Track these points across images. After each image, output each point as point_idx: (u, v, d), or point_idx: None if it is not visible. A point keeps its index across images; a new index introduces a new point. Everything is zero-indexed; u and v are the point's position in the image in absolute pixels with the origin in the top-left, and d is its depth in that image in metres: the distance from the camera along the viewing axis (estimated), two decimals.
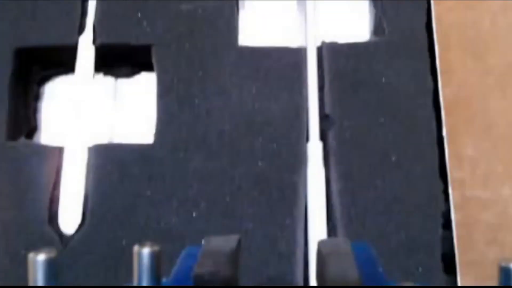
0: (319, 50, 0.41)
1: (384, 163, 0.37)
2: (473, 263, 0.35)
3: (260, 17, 0.44)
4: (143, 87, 0.43)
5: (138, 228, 0.36)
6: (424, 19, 0.41)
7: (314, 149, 0.38)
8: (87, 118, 0.39)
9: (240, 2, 0.43)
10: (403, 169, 0.37)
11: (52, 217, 0.37)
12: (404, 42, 0.40)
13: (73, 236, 0.36)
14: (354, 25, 0.44)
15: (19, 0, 0.41)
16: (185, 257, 0.21)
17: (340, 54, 0.40)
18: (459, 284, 0.34)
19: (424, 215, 0.36)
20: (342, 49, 0.41)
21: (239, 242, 0.22)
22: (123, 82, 0.44)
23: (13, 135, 0.39)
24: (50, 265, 0.16)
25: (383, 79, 0.39)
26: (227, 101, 0.39)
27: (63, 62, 0.41)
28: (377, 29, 0.41)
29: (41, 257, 0.16)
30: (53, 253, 0.16)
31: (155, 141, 0.39)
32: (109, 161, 0.38)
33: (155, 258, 0.17)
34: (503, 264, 0.17)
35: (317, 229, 0.35)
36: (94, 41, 0.41)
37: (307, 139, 0.38)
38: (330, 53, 0.40)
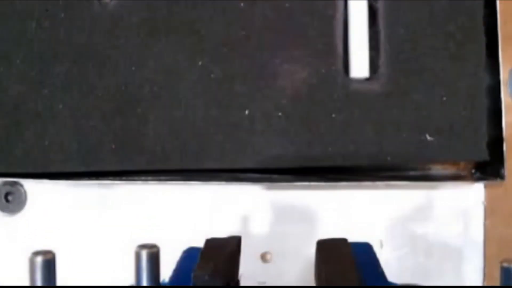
0: None
1: None
2: None
3: None
4: None
5: None
6: None
7: None
8: None
9: None
10: None
11: None
12: None
13: None
14: None
15: None
16: (185, 257, 0.21)
17: None
18: None
19: None
20: None
21: (239, 242, 0.22)
22: None
23: None
24: (50, 265, 0.16)
25: None
26: None
27: None
28: None
29: (40, 257, 0.16)
30: (52, 254, 0.16)
31: None
32: None
33: (154, 259, 0.17)
34: (504, 264, 0.17)
35: None
36: None
37: None
38: None
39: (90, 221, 0.36)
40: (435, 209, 0.35)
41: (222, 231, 0.36)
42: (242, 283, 0.36)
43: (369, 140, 0.31)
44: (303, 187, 0.35)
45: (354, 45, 0.32)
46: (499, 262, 0.18)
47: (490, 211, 0.36)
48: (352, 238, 0.35)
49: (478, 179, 0.34)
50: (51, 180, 0.32)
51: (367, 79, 0.32)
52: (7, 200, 0.37)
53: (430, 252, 0.35)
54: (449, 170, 0.35)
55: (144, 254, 0.18)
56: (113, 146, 0.32)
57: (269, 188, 0.36)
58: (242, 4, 0.32)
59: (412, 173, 0.35)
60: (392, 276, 0.35)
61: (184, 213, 0.36)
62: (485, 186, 0.35)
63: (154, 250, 0.18)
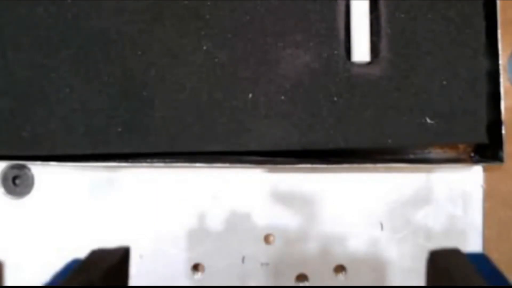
0: None
1: None
2: None
3: None
4: None
5: None
6: None
7: None
8: None
9: None
10: None
11: None
12: None
13: None
14: None
15: None
16: (64, 269, 0.20)
17: None
18: None
19: None
20: None
21: (126, 253, 0.21)
22: None
23: None
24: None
25: None
26: None
27: None
28: None
29: None
30: None
31: None
32: None
33: None
34: None
35: None
36: None
37: None
38: None
39: (96, 204, 0.37)
40: (434, 191, 0.36)
41: (225, 213, 0.36)
42: (245, 265, 0.36)
43: (370, 124, 0.32)
44: (306, 169, 0.36)
45: (355, 30, 0.32)
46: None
47: (489, 194, 0.36)
48: (354, 220, 0.36)
49: (477, 162, 0.35)
50: (58, 163, 0.33)
51: (368, 63, 0.32)
52: (14, 184, 0.37)
53: (429, 234, 0.36)
54: (449, 153, 0.36)
55: None
56: (119, 129, 0.32)
57: (272, 170, 0.36)
58: None
59: (412, 156, 0.36)
60: (392, 258, 0.35)
61: (188, 195, 0.36)
62: (484, 169, 0.36)
63: None
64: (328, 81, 0.32)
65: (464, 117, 0.32)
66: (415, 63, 0.32)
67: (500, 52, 0.33)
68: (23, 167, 0.37)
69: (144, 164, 0.34)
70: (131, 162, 0.34)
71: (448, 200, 0.36)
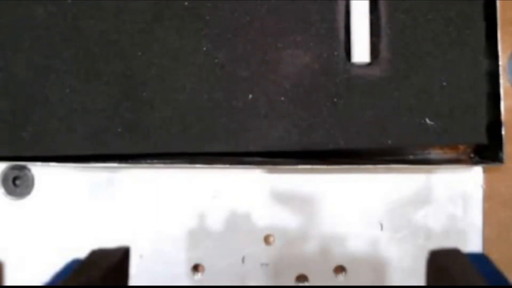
0: None
1: None
2: None
3: None
4: None
5: None
6: None
7: None
8: None
9: None
10: None
11: None
12: None
13: None
14: None
15: None
16: (64, 269, 0.20)
17: None
18: None
19: None
20: None
21: (126, 253, 0.21)
22: None
23: None
24: None
25: None
26: None
27: None
28: None
29: None
30: None
31: None
32: None
33: None
34: None
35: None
36: None
37: None
38: None
39: (96, 204, 0.37)
40: (434, 192, 0.36)
41: (225, 213, 0.36)
42: (245, 265, 0.36)
43: (370, 124, 0.32)
44: (305, 170, 0.36)
45: (355, 30, 0.32)
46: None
47: (489, 194, 0.36)
48: (353, 220, 0.36)
49: (477, 163, 0.35)
50: (58, 163, 0.33)
51: (368, 64, 0.33)
52: (15, 184, 0.37)
53: (429, 235, 0.36)
54: (449, 153, 0.36)
55: None
56: (120, 130, 0.32)
57: (272, 171, 0.36)
58: None
59: (412, 156, 0.36)
60: (392, 258, 0.35)
61: (188, 195, 0.36)
62: (484, 170, 0.36)
63: None
64: (328, 82, 0.32)
65: (464, 118, 0.32)
66: (415, 64, 0.32)
67: (500, 52, 0.33)
68: (24, 167, 0.37)
69: (144, 164, 0.34)
70: (131, 162, 0.34)
71: (448, 201, 0.36)
